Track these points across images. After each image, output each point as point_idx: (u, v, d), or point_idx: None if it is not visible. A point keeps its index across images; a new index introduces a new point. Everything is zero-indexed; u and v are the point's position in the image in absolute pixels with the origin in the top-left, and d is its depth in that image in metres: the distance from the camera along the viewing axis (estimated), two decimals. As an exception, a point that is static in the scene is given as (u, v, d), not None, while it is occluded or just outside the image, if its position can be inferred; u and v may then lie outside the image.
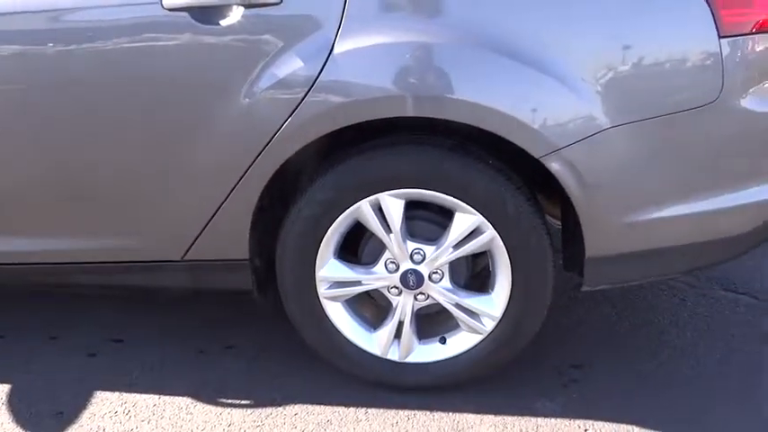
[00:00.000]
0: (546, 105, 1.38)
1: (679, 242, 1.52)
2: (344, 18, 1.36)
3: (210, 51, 1.41)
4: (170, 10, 1.38)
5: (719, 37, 1.34)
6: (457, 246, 1.53)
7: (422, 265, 1.55)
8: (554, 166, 1.41)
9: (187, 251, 1.62)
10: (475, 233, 1.52)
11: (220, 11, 1.38)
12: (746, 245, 1.60)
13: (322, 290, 1.61)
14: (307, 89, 1.39)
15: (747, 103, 1.41)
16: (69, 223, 1.64)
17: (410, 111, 1.39)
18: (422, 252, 1.55)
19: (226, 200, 1.53)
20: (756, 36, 1.38)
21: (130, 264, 1.65)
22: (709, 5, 1.32)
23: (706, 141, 1.43)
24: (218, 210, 1.54)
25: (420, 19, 1.37)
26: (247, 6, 1.37)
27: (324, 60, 1.37)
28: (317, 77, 1.38)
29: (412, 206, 1.53)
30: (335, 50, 1.37)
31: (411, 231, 1.56)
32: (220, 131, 1.46)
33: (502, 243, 1.51)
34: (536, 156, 1.40)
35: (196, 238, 1.59)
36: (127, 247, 1.64)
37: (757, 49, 1.40)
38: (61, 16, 1.44)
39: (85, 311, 2.06)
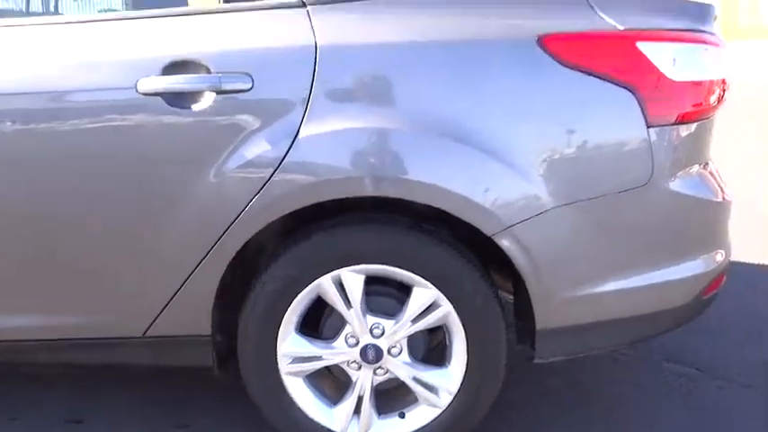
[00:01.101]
0: (495, 186, 1.49)
1: (624, 314, 1.62)
2: (310, 104, 1.46)
3: (182, 133, 1.48)
4: (144, 94, 1.46)
5: (647, 126, 1.50)
6: (415, 320, 1.59)
7: (381, 339, 1.60)
8: (504, 244, 1.50)
9: (149, 327, 1.62)
10: (432, 307, 1.58)
11: (192, 96, 1.47)
12: (687, 315, 1.71)
13: (283, 365, 1.63)
14: (273, 170, 1.47)
15: (676, 185, 1.56)
16: (33, 299, 1.63)
17: (369, 191, 1.48)
18: (381, 326, 1.60)
19: (190, 276, 1.56)
20: (680, 126, 1.55)
21: (91, 341, 1.64)
22: (637, 99, 1.48)
23: (641, 220, 1.56)
24: (182, 286, 1.57)
25: (378, 106, 1.48)
26: (219, 92, 1.46)
27: (290, 143, 1.46)
28: (284, 159, 1.46)
29: (372, 281, 1.60)
30: (301, 134, 1.46)
31: (371, 306, 1.61)
32: (188, 210, 1.51)
33: (457, 317, 1.57)
34: (487, 233, 1.50)
35: (158, 315, 1.60)
36: (88, 324, 1.63)
37: (681, 138, 1.56)
38: (40, 99, 1.50)
39: (47, 390, 2.02)
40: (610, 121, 1.51)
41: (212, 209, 1.51)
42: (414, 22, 1.49)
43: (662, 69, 1.49)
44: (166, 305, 1.59)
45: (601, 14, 1.50)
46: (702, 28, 1.59)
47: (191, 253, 1.54)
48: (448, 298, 1.56)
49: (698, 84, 1.56)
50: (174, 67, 1.46)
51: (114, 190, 1.52)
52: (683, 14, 1.59)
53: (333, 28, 1.49)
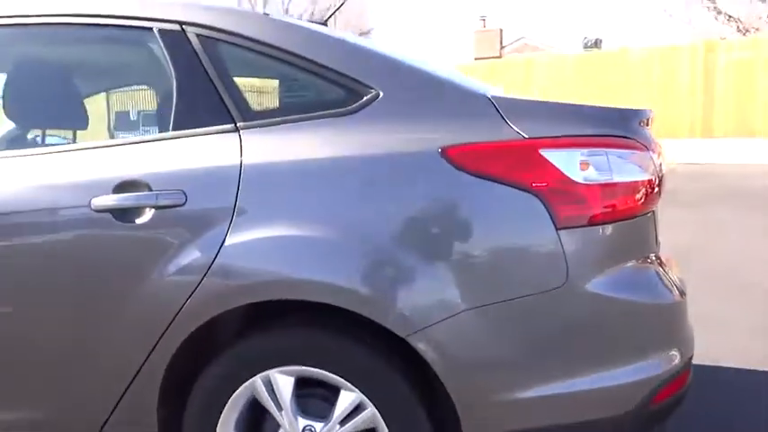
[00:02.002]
0: (407, 290, 1.55)
1: (553, 422, 1.58)
2: (234, 217, 1.60)
3: (126, 244, 1.66)
4: (96, 211, 1.66)
5: (557, 229, 1.53)
6: (342, 422, 1.62)
7: None
8: (420, 346, 1.54)
9: (103, 426, 1.74)
10: (358, 410, 1.61)
11: (136, 211, 1.65)
12: (636, 424, 1.63)
13: None
14: (202, 276, 1.60)
15: (597, 287, 1.55)
16: None
17: (286, 295, 1.58)
18: (312, 428, 1.64)
19: (135, 377, 1.67)
20: (596, 227, 1.57)
21: None
22: (543, 203, 1.53)
23: (561, 324, 1.56)
24: (128, 387, 1.69)
25: (295, 217, 1.59)
26: (157, 208, 1.64)
27: (216, 251, 1.60)
28: (211, 265, 1.60)
29: (305, 383, 1.65)
30: (226, 242, 1.60)
31: (305, 408, 1.66)
32: (133, 314, 1.65)
33: (382, 420, 1.59)
34: (401, 335, 1.54)
35: (110, 415, 1.72)
36: (49, 422, 1.77)
37: (600, 238, 1.58)
38: (8, 218, 1.72)
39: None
40: (518, 226, 1.56)
41: (152, 312, 1.64)
42: (327, 139, 1.63)
43: (568, 174, 1.54)
44: (116, 406, 1.71)
45: (511, 125, 1.58)
46: (620, 132, 1.63)
47: (135, 354, 1.67)
48: (372, 401, 1.59)
49: (611, 185, 1.59)
50: (121, 187, 1.66)
51: (65, 297, 1.69)
52: (596, 121, 1.64)
53: (258, 148, 1.65)
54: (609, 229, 1.59)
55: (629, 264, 1.65)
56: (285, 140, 1.65)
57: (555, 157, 1.56)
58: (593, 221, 1.57)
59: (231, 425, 1.68)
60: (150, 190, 1.65)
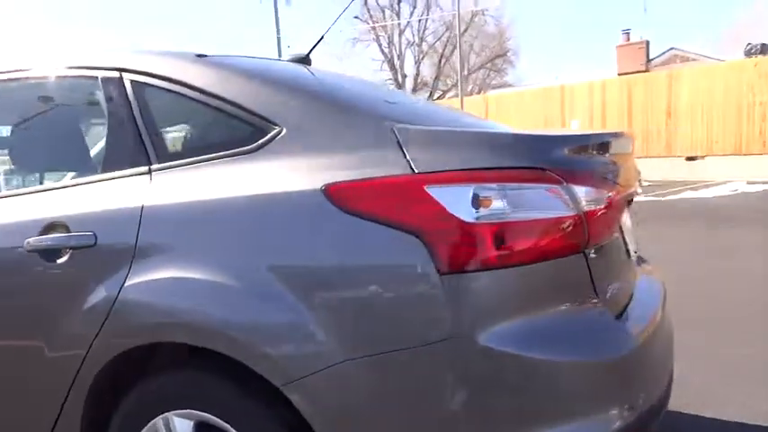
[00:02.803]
0: (283, 337, 1.46)
1: None
2: (134, 258, 1.62)
3: (50, 281, 1.74)
4: (27, 251, 1.76)
5: (440, 274, 1.37)
6: None
7: None
8: (294, 398, 1.44)
9: None
10: None
11: (57, 252, 1.73)
12: None
13: None
14: (106, 315, 1.63)
15: (487, 341, 1.37)
16: None
17: (169, 337, 1.56)
18: None
19: (61, 411, 1.73)
20: (486, 273, 1.38)
21: None
22: (426, 245, 1.38)
23: (442, 381, 1.38)
24: (56, 421, 1.75)
25: (182, 258, 1.57)
26: (72, 248, 1.70)
27: (118, 291, 1.62)
28: (113, 305, 1.62)
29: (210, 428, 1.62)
30: (126, 283, 1.62)
31: (209, 453, 1.62)
32: (55, 349, 1.72)
33: None
34: (277, 384, 1.46)
35: None
36: None
37: (489, 287, 1.39)
38: None
39: None
40: (398, 271, 1.41)
41: (69, 348, 1.70)
42: (225, 179, 1.60)
43: (454, 212, 1.38)
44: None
45: (408, 159, 1.46)
46: (528, 163, 1.44)
47: (58, 387, 1.73)
48: None
49: (509, 225, 1.40)
50: (45, 230, 1.75)
51: (3, 330, 1.81)
52: (502, 151, 1.47)
53: (162, 189, 1.66)
54: (509, 274, 1.40)
55: (544, 313, 1.43)
56: (187, 181, 1.65)
57: (441, 193, 1.40)
58: (487, 266, 1.38)
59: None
60: (69, 231, 1.72)
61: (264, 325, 1.48)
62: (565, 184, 1.45)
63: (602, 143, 1.71)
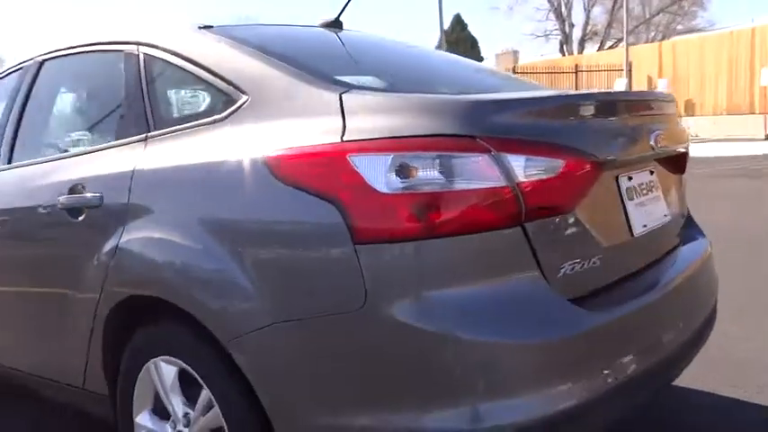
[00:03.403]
0: (228, 297, 1.55)
1: None
2: (127, 218, 1.79)
3: (73, 235, 1.98)
4: (60, 208, 2.02)
5: (354, 244, 1.36)
6: (204, 413, 1.70)
7: (188, 428, 1.75)
8: (235, 355, 1.53)
9: (84, 382, 2.10)
10: (212, 406, 1.67)
11: (78, 210, 1.96)
12: None
13: None
14: (107, 268, 1.84)
15: (400, 314, 1.34)
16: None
17: (146, 291, 1.72)
18: (188, 415, 1.75)
19: (90, 343, 1.97)
20: (403, 244, 1.35)
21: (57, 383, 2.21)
22: (342, 215, 1.37)
23: (356, 350, 1.38)
24: (88, 352, 2.01)
25: (158, 219, 1.72)
26: (87, 207, 1.92)
27: (115, 247, 1.81)
28: (112, 260, 1.82)
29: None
30: (121, 240, 1.80)
31: (189, 397, 1.78)
32: (80, 291, 1.95)
33: (223, 420, 1.63)
34: (223, 342, 1.55)
35: (84, 373, 2.07)
36: (54, 370, 2.22)
37: (405, 258, 1.35)
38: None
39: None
40: (321, 240, 1.42)
41: (89, 291, 1.92)
42: (198, 146, 1.70)
43: (371, 182, 1.36)
44: (86, 366, 2.06)
45: (347, 127, 1.45)
46: (459, 130, 1.37)
47: (85, 323, 1.96)
48: (216, 400, 1.64)
49: (428, 195, 1.34)
50: (71, 190, 1.99)
51: (42, 274, 2.10)
52: (434, 117, 1.40)
53: (151, 156, 1.80)
54: (428, 247, 1.35)
55: (468, 290, 1.37)
56: (169, 148, 1.78)
57: (362, 163, 1.38)
58: (403, 238, 1.35)
59: (147, 402, 1.89)
60: (84, 192, 1.94)
61: (211, 284, 1.58)
62: (493, 152, 1.35)
63: (575, 105, 1.55)
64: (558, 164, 1.43)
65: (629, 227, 1.72)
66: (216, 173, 1.62)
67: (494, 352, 1.34)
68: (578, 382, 1.40)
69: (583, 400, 1.39)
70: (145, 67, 1.96)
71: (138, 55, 1.99)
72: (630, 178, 1.78)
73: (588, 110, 1.59)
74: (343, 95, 1.52)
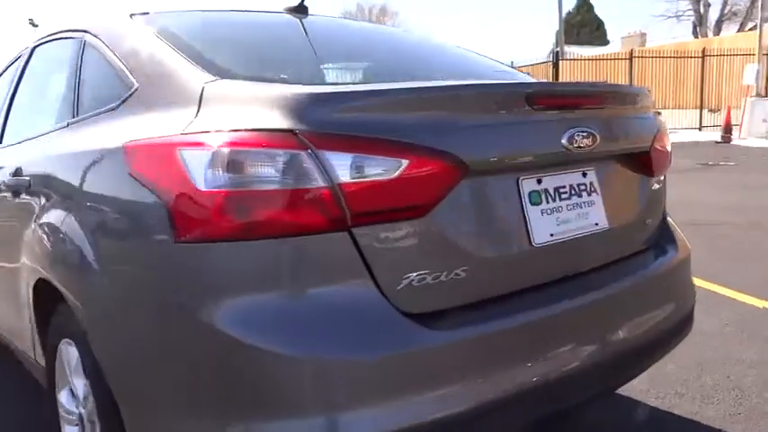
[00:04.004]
0: (83, 286, 1.61)
1: None
2: (43, 202, 1.85)
3: (15, 213, 2.09)
4: (6, 189, 2.13)
5: (175, 242, 1.30)
6: (87, 401, 1.72)
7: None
8: (90, 338, 1.56)
9: (34, 350, 2.21)
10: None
11: (18, 191, 2.05)
12: None
13: (61, 412, 1.98)
14: (29, 248, 1.91)
15: (213, 318, 1.26)
16: None
17: (45, 274, 1.78)
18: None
19: (29, 312, 2.06)
20: (210, 245, 1.28)
21: None
22: (167, 212, 1.32)
23: (180, 353, 1.33)
24: (29, 321, 2.10)
25: (53, 205, 1.77)
26: (23, 189, 2.01)
27: (33, 229, 1.88)
28: (31, 240, 1.89)
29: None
30: (36, 223, 1.86)
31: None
32: (22, 261, 2.05)
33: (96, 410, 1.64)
34: (84, 327, 1.57)
35: (33, 340, 2.18)
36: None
37: (216, 260, 1.28)
38: None
39: None
40: (148, 235, 1.39)
41: (24, 270, 2.01)
42: (91, 134, 1.73)
43: (191, 178, 1.29)
44: (33, 340, 2.17)
45: (197, 118, 1.40)
46: (279, 125, 1.27)
47: (23, 290, 2.04)
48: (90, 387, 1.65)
49: (247, 194, 1.26)
50: (14, 172, 2.09)
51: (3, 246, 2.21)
52: (270, 110, 1.31)
53: (63, 142, 1.87)
54: (244, 248, 1.27)
55: (283, 297, 1.27)
56: (77, 135, 1.82)
57: (188, 157, 1.32)
58: (220, 237, 1.27)
59: (68, 379, 1.95)
60: (22, 175, 2.03)
61: (75, 272, 1.62)
62: (311, 150, 1.24)
63: (439, 99, 1.39)
64: (399, 164, 1.29)
65: (529, 235, 1.53)
66: (90, 160, 1.64)
67: (301, 365, 1.24)
68: (402, 403, 1.26)
69: (408, 422, 1.26)
70: (82, 54, 2.01)
71: (82, 42, 2.04)
72: (540, 181, 1.58)
73: (462, 104, 1.42)
74: (207, 85, 1.46)
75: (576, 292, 1.60)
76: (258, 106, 1.34)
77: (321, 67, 1.99)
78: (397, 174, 1.29)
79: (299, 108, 1.29)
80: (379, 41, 2.44)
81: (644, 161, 1.89)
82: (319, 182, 1.24)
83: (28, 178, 1.98)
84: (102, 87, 1.90)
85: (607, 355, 1.60)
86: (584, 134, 1.60)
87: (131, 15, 1.96)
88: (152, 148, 1.41)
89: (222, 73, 1.54)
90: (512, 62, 24.61)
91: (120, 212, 1.49)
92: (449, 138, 1.36)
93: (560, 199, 1.62)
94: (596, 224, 1.69)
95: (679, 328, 1.91)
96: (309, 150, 1.24)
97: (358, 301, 1.29)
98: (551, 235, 1.58)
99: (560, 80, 20.27)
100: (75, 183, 1.68)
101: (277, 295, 1.27)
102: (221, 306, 1.27)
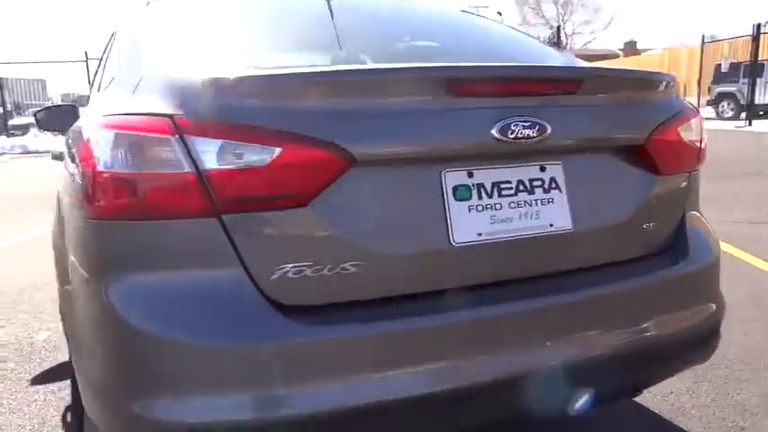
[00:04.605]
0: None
1: None
2: None
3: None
4: None
5: (87, 218, 1.37)
6: None
7: None
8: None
9: None
10: None
11: None
12: None
13: None
14: None
15: (104, 292, 1.33)
16: None
17: None
18: None
19: None
20: (103, 223, 1.33)
21: None
22: (83, 188, 1.39)
23: (92, 328, 1.40)
24: None
25: None
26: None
27: None
28: None
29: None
30: None
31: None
32: None
33: None
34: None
35: None
36: None
37: (107, 237, 1.34)
38: None
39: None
40: (78, 209, 1.44)
41: None
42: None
43: (95, 159, 1.36)
44: None
45: (128, 105, 1.48)
46: (164, 111, 1.30)
47: None
48: None
49: (122, 176, 1.30)
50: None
51: None
52: (158, 92, 1.34)
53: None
54: (123, 228, 1.32)
55: (159, 278, 1.30)
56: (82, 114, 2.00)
57: (98, 140, 1.39)
58: (109, 217, 1.33)
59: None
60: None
61: (55, 233, 1.78)
62: (179, 135, 1.25)
63: (334, 83, 1.32)
64: (271, 152, 1.26)
65: (448, 233, 1.41)
66: (67, 137, 1.80)
67: (163, 345, 1.27)
68: (262, 394, 1.25)
69: (268, 413, 1.25)
70: (112, 40, 2.20)
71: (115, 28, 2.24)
72: (471, 174, 1.44)
73: (359, 90, 1.33)
74: (145, 74, 1.52)
75: (510, 299, 1.45)
76: (163, 92, 1.37)
77: (304, 49, 1.95)
78: (268, 162, 1.26)
79: (185, 94, 1.31)
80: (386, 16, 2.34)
81: (643, 156, 1.64)
82: (185, 167, 1.26)
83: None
84: (109, 70, 2.07)
85: (528, 378, 1.43)
86: (526, 124, 1.42)
87: (147, 4, 2.10)
88: (82, 130, 1.51)
89: (172, 62, 1.59)
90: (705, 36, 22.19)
91: (72, 185, 1.59)
92: (333, 126, 1.30)
93: (500, 195, 1.47)
94: (551, 225, 1.51)
95: (669, 355, 1.65)
96: (178, 135, 1.26)
97: (224, 288, 1.29)
98: (479, 234, 1.44)
99: (760, 58, 17.89)
100: (66, 153, 1.82)
101: (149, 277, 1.31)
102: (107, 284, 1.33)
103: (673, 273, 1.67)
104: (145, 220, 1.30)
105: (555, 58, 2.12)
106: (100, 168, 1.34)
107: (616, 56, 45.60)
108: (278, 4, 2.29)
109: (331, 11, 2.12)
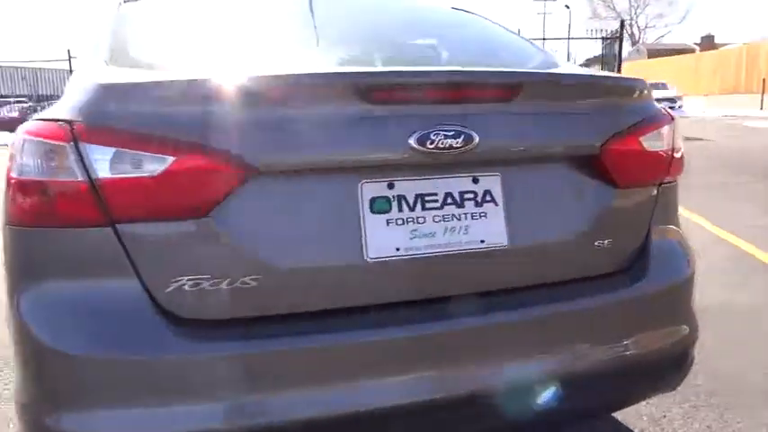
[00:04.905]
0: None
1: None
2: None
3: None
4: None
5: (6, 224, 1.38)
6: None
7: None
8: None
9: None
10: None
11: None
12: None
13: None
14: None
15: (15, 300, 1.32)
16: None
17: None
18: None
19: None
20: (15, 230, 1.31)
21: None
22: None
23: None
24: None
25: None
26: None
27: None
28: None
29: None
30: None
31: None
32: None
33: None
34: None
35: None
36: None
37: (15, 245, 1.32)
38: None
39: None
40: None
41: None
42: None
43: (10, 164, 1.34)
44: None
45: (68, 105, 1.45)
46: (65, 116, 1.27)
47: None
48: None
49: (20, 183, 1.28)
50: None
51: None
52: (74, 99, 1.32)
53: None
54: (24, 235, 1.30)
55: (58, 288, 1.28)
56: None
57: (17, 143, 1.38)
58: (15, 224, 1.31)
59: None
60: None
61: None
62: (72, 142, 1.23)
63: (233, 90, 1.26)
64: (163, 161, 1.22)
65: (362, 248, 1.34)
66: None
67: (52, 356, 1.25)
68: (159, 410, 1.22)
69: (167, 428, 1.22)
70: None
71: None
72: (392, 186, 1.36)
73: (264, 97, 1.26)
74: (80, 76, 1.51)
75: (431, 318, 1.37)
76: (73, 98, 1.35)
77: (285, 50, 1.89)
78: (161, 171, 1.22)
79: (87, 100, 1.28)
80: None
81: (598, 167, 1.51)
82: (78, 176, 1.23)
83: None
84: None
85: (443, 401, 1.34)
86: (449, 134, 1.33)
87: (119, 4, 2.11)
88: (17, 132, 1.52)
89: (107, 67, 1.56)
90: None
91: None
92: (233, 135, 1.25)
93: (424, 208, 1.38)
94: (482, 241, 1.41)
95: (625, 381, 1.52)
96: (72, 143, 1.24)
97: (120, 300, 1.26)
98: (397, 249, 1.36)
99: None
100: None
101: (51, 286, 1.29)
102: (19, 292, 1.32)
103: (630, 293, 1.54)
104: (45, 228, 1.28)
105: (530, 59, 1.99)
106: (12, 174, 1.34)
107: (692, 50, 43.84)
108: (247, 9, 2.25)
109: (310, 13, 2.08)
